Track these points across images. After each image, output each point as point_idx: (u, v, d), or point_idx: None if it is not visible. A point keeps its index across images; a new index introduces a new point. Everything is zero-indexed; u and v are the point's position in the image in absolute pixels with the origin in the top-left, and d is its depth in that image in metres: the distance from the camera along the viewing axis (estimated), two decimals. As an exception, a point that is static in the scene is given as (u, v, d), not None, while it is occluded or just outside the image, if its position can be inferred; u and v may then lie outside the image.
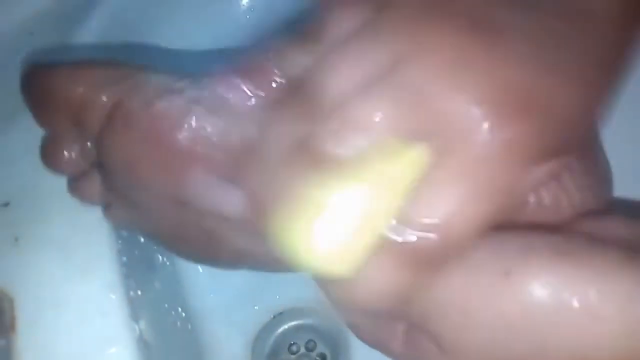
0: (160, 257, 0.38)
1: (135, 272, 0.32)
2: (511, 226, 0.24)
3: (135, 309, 0.31)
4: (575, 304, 0.21)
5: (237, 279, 0.38)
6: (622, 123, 0.35)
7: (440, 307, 0.22)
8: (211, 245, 0.28)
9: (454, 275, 0.22)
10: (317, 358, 0.38)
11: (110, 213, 0.30)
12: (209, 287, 0.39)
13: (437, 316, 0.22)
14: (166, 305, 0.37)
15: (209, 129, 0.26)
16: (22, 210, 0.32)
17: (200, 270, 0.39)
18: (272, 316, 0.39)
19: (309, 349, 0.38)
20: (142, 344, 0.30)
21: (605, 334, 0.21)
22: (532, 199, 0.24)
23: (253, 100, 0.26)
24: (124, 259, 0.32)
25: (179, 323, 0.37)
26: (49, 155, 0.30)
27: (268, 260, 0.27)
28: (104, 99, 0.27)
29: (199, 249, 0.29)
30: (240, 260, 0.29)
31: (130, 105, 0.27)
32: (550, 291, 0.21)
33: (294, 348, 0.38)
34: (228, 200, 0.26)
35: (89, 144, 0.29)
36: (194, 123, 0.26)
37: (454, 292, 0.22)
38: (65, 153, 0.29)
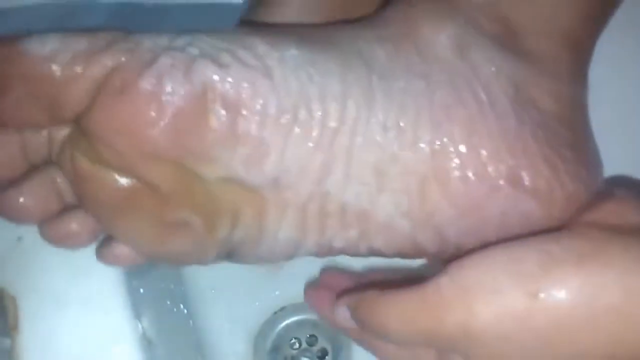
0: (161, 255, 0.38)
1: (138, 269, 0.32)
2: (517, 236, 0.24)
3: (137, 307, 0.31)
4: (606, 308, 0.21)
5: (238, 275, 0.38)
6: (613, 112, 0.35)
7: (476, 339, 0.23)
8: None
9: (480, 302, 0.22)
10: (319, 353, 0.38)
11: (108, 250, 0.26)
12: (210, 284, 0.39)
13: (475, 346, 0.23)
14: (168, 302, 0.37)
15: (219, 83, 0.23)
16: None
17: (202, 266, 0.39)
18: (273, 312, 0.39)
19: (310, 344, 0.38)
20: (145, 341, 0.30)
21: (637, 331, 0.21)
22: (526, 179, 0.25)
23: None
24: (126, 257, 0.32)
25: (181, 320, 0.37)
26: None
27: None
28: (91, 72, 0.23)
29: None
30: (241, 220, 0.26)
31: (126, 69, 0.23)
32: (580, 301, 0.22)
33: (296, 343, 0.38)
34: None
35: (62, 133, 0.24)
36: (203, 76, 0.23)
37: (486, 321, 0.22)
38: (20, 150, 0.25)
